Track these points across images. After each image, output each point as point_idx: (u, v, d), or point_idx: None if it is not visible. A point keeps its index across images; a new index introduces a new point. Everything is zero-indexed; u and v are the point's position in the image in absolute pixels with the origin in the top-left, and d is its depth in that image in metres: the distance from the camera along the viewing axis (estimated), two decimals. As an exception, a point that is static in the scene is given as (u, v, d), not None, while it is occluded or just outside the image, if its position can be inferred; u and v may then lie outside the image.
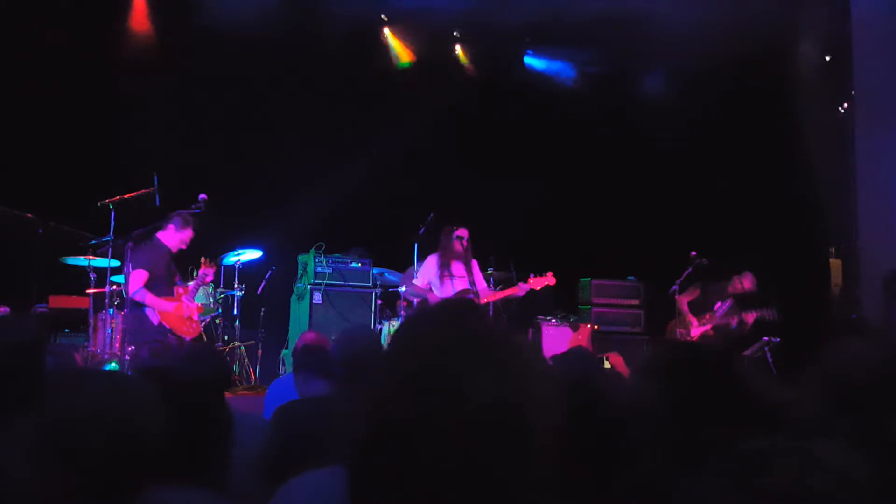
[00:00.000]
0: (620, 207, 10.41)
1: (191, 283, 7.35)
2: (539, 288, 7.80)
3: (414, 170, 9.94)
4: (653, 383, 1.72)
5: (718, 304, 8.42)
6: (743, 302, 8.31)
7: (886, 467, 1.52)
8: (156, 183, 7.03)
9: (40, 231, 7.03)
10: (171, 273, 7.33)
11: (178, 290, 7.31)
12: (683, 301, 8.59)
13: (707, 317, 8.43)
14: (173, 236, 7.20)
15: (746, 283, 8.37)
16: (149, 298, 7.00)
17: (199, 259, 7.33)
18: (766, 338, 8.04)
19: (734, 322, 8.28)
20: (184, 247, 7.31)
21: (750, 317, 8.17)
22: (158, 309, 7.07)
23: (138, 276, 6.96)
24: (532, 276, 7.80)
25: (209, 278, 7.48)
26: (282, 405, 3.02)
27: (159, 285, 7.11)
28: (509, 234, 9.35)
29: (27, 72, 8.49)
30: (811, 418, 2.02)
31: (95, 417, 1.51)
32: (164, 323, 7.10)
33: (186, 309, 7.26)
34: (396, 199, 9.59)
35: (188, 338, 7.19)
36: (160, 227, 7.19)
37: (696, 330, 8.40)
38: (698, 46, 9.28)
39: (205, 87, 9.06)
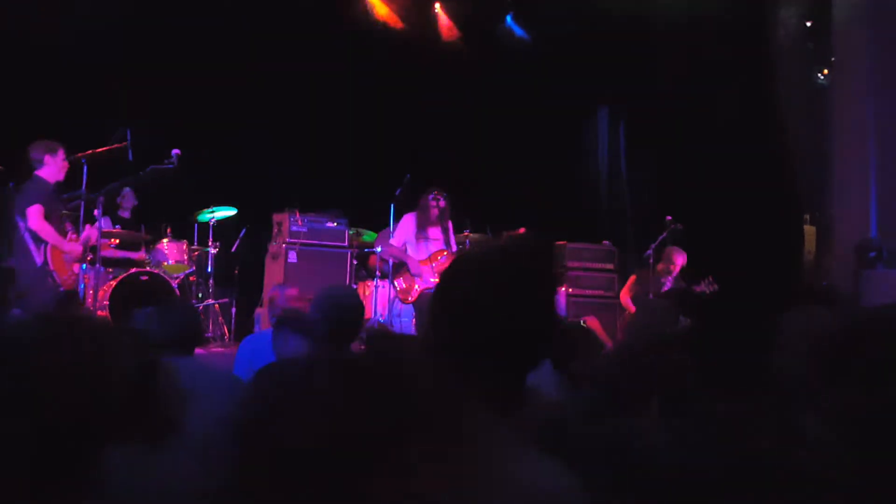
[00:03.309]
0: (593, 172, 10.40)
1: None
2: None
3: (391, 129, 9.84)
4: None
5: (666, 283, 8.35)
6: (685, 278, 8.31)
7: (859, 441, 1.53)
8: (129, 138, 6.89)
9: (11, 185, 6.90)
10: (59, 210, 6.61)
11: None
12: (625, 298, 8.54)
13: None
14: (52, 167, 6.39)
15: (680, 259, 8.31)
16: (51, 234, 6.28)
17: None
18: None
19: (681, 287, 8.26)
20: (61, 176, 6.48)
21: (698, 289, 8.17)
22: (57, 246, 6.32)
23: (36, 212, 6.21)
24: (506, 233, 7.86)
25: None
26: (266, 366, 2.99)
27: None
28: (487, 198, 9.32)
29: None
30: (789, 385, 2.03)
31: (66, 365, 1.47)
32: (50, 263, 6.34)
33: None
34: (373, 160, 9.51)
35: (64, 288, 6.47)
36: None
37: None
38: (679, 9, 9.23)
39: (179, 40, 8.89)
